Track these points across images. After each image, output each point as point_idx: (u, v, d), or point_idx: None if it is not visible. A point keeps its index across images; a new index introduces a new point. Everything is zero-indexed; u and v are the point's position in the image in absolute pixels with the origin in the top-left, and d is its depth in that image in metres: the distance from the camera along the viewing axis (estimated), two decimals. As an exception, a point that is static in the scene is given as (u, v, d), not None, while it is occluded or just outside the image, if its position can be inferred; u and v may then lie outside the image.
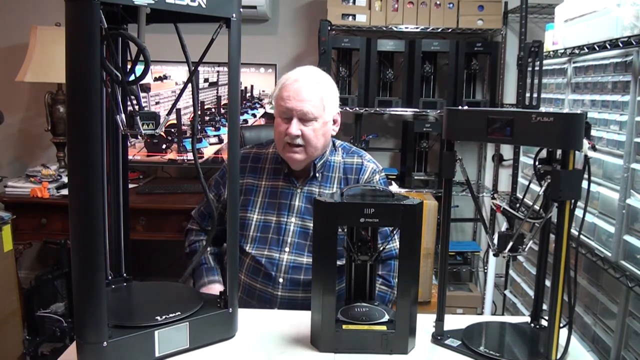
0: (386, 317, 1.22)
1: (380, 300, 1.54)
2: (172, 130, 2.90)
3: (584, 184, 1.08)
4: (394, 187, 2.84)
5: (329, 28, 2.76)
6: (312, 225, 1.40)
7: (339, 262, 1.38)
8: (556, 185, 1.05)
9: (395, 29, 2.89)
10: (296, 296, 1.57)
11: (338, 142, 1.71)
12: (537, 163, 1.17)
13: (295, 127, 1.52)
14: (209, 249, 1.66)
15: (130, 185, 1.54)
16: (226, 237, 1.23)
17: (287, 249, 1.58)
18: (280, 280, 1.57)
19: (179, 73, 2.89)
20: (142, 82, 1.06)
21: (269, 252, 1.58)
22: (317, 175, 1.63)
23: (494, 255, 1.21)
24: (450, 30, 2.89)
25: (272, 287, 1.57)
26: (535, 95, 2.26)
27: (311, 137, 1.54)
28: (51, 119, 2.87)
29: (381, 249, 1.37)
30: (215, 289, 1.52)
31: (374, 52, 2.84)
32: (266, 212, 1.61)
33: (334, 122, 1.63)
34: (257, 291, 1.60)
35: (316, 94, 1.54)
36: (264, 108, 2.95)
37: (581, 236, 1.63)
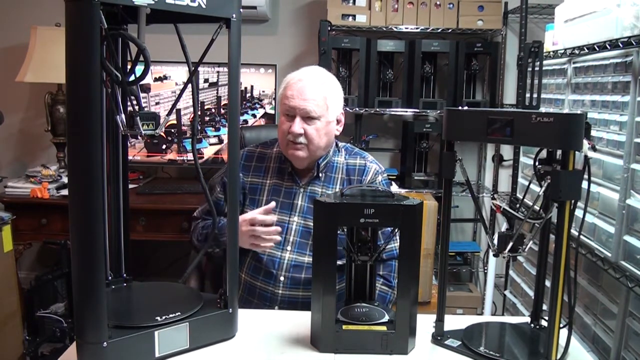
0: (386, 318, 1.22)
1: (381, 300, 1.55)
2: (172, 130, 2.90)
3: (584, 184, 1.08)
4: (394, 188, 2.83)
5: (329, 28, 2.76)
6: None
7: (339, 262, 1.38)
8: (556, 186, 1.05)
9: (395, 29, 2.89)
10: (296, 294, 1.58)
11: (341, 144, 1.73)
12: (537, 163, 1.17)
13: (298, 126, 1.54)
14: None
15: (130, 186, 1.53)
16: None
17: (289, 248, 1.59)
18: (282, 278, 1.58)
19: (179, 73, 2.89)
20: (142, 82, 1.06)
21: (271, 250, 1.59)
22: (320, 175, 1.64)
23: (494, 255, 1.21)
24: (450, 30, 2.89)
25: (273, 286, 1.58)
26: (535, 95, 2.25)
27: (314, 136, 1.56)
28: (51, 119, 2.87)
29: (381, 249, 1.37)
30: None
31: (374, 52, 2.84)
32: None
33: (338, 122, 1.65)
34: (257, 289, 1.60)
35: (320, 94, 1.56)
36: (264, 108, 2.95)
37: (581, 236, 1.63)
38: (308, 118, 1.55)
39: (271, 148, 1.71)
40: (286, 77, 1.62)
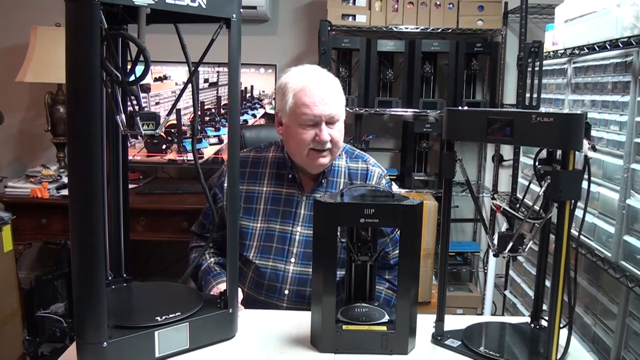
0: (386, 318, 1.22)
1: (386, 304, 1.52)
2: (172, 130, 2.90)
3: (584, 184, 1.08)
4: (394, 188, 2.83)
5: (329, 28, 2.76)
6: None
7: (340, 273, 1.36)
8: (556, 186, 1.05)
9: (395, 29, 2.89)
10: (302, 308, 1.51)
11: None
12: (537, 163, 1.17)
13: (326, 133, 1.46)
14: (213, 259, 1.61)
15: (130, 186, 1.53)
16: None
17: (292, 260, 1.53)
18: (286, 292, 1.53)
19: (179, 73, 2.89)
20: (142, 82, 1.06)
21: (274, 263, 1.54)
22: (323, 181, 1.58)
23: (494, 255, 1.21)
24: (450, 30, 2.89)
25: (277, 299, 1.54)
26: (535, 95, 2.26)
27: (338, 138, 1.50)
28: (51, 119, 2.87)
29: (382, 249, 1.37)
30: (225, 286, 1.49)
31: (374, 52, 2.84)
32: (269, 220, 1.56)
33: None
34: (261, 303, 1.55)
35: (336, 93, 1.50)
36: (264, 108, 2.95)
37: (581, 236, 1.63)
38: (332, 122, 1.48)
39: (266, 152, 1.63)
40: (288, 82, 1.51)
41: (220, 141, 2.94)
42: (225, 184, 1.59)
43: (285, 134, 1.55)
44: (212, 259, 1.60)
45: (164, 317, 1.11)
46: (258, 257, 1.55)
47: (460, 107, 1.20)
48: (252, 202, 1.58)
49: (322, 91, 1.47)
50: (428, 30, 2.89)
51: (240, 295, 1.44)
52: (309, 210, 1.55)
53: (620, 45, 1.63)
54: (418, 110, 2.90)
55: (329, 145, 1.49)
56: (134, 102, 1.08)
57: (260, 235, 1.56)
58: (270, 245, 1.55)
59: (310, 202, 1.56)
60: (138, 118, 1.05)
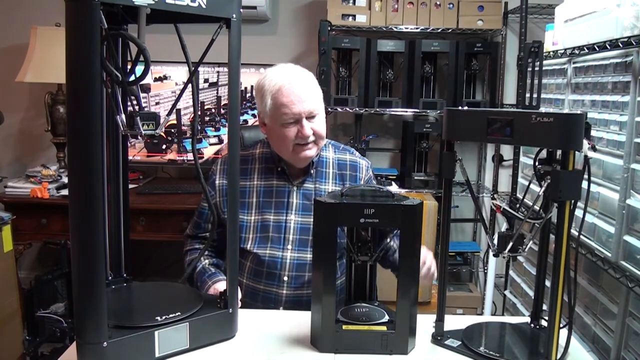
0: (386, 318, 1.22)
1: (394, 252, 1.61)
2: (172, 130, 2.90)
3: (584, 184, 1.08)
4: (394, 188, 2.83)
5: (329, 28, 2.76)
6: (312, 221, 1.39)
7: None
8: (556, 186, 1.05)
9: (395, 29, 2.89)
10: (301, 293, 1.56)
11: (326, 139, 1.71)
12: (537, 163, 1.17)
13: (308, 128, 1.52)
14: (207, 260, 1.63)
15: (130, 186, 1.53)
16: (226, 243, 1.23)
17: (289, 247, 1.58)
18: (285, 278, 1.56)
19: (179, 73, 2.89)
20: (142, 82, 1.06)
21: (271, 251, 1.57)
22: (312, 171, 1.63)
23: (494, 255, 1.21)
24: (450, 30, 2.89)
25: (277, 287, 1.57)
26: (535, 95, 2.26)
27: (320, 130, 1.56)
28: (51, 119, 2.87)
29: (381, 248, 1.37)
30: (222, 285, 1.50)
31: (374, 52, 2.84)
32: (263, 211, 1.60)
33: None
34: (260, 292, 1.58)
35: (312, 88, 1.55)
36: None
37: (581, 236, 1.63)
38: (311, 116, 1.54)
39: (252, 149, 1.69)
40: (264, 85, 1.55)
41: (220, 141, 2.94)
42: (217, 182, 1.63)
43: (269, 134, 1.60)
44: (206, 261, 1.63)
45: (164, 317, 1.11)
46: (255, 247, 1.58)
47: (460, 107, 1.20)
48: (244, 197, 1.61)
49: (298, 89, 1.52)
50: (428, 30, 2.89)
51: (240, 294, 1.45)
52: (301, 199, 1.61)
53: (620, 45, 1.63)
54: (418, 110, 2.89)
55: (312, 138, 1.55)
56: (134, 102, 1.08)
57: (255, 227, 1.59)
58: (266, 235, 1.58)
59: (301, 192, 1.62)
60: (138, 118, 1.05)
